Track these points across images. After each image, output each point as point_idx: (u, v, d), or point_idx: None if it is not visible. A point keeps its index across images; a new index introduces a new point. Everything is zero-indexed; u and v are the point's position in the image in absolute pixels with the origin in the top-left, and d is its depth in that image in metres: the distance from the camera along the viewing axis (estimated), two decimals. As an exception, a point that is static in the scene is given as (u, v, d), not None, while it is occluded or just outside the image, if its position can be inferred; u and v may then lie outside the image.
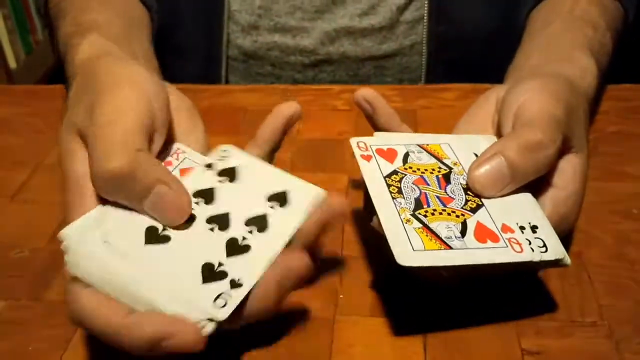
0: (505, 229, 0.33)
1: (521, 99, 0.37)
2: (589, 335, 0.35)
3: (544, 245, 0.33)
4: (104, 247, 0.32)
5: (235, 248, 0.33)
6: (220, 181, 0.36)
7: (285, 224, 0.34)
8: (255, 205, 0.34)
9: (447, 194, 0.35)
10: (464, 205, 0.35)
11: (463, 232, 0.33)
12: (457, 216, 0.34)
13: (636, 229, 0.42)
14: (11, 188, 0.48)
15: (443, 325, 0.36)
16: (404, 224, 0.33)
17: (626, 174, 0.47)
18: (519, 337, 0.35)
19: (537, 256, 0.33)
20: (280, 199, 0.35)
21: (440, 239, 0.32)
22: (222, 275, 0.32)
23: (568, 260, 0.33)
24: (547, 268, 0.38)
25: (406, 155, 0.37)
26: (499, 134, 0.39)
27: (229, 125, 0.54)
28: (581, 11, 0.49)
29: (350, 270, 0.40)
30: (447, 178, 0.36)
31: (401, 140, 0.39)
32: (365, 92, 0.40)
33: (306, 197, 0.34)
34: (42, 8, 0.57)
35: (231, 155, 0.37)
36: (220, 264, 0.32)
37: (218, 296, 0.31)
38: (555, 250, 0.33)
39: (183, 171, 0.36)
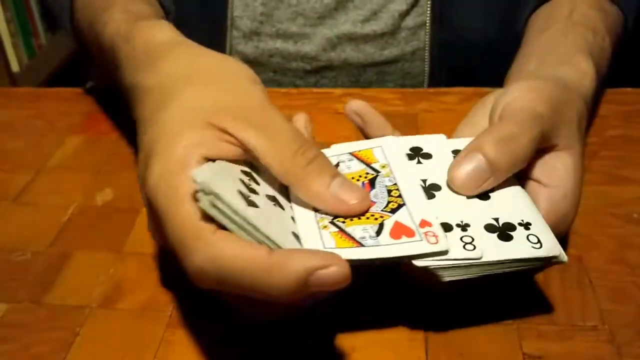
0: (424, 223, 0.33)
1: (507, 100, 0.37)
2: (590, 339, 0.35)
3: (538, 242, 0.33)
4: (239, 195, 0.31)
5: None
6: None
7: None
8: None
9: (370, 199, 0.35)
10: (385, 207, 0.34)
11: (379, 232, 0.33)
12: (376, 219, 0.33)
13: (637, 233, 0.42)
14: (13, 191, 0.48)
15: (444, 329, 0.36)
16: (320, 230, 0.33)
17: (627, 178, 0.47)
18: (521, 340, 0.35)
19: (532, 252, 0.33)
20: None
21: (354, 239, 0.32)
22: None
23: (565, 257, 0.33)
24: (543, 266, 0.37)
25: (337, 166, 0.37)
26: None
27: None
28: (580, 16, 0.49)
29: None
30: (372, 183, 0.36)
31: (339, 150, 0.38)
32: (355, 105, 0.40)
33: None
34: (67, 7, 0.56)
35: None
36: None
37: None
38: (551, 247, 0.33)
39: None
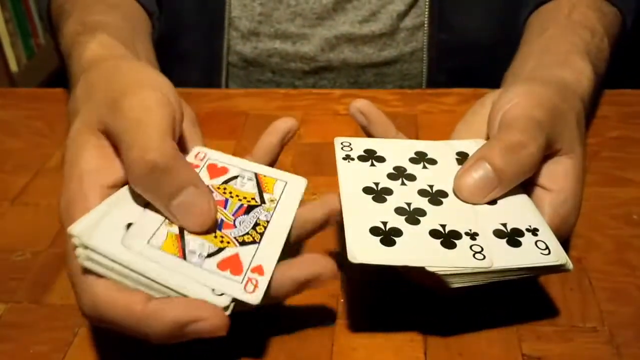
0: (257, 269, 0.32)
1: (507, 106, 0.37)
2: (590, 340, 0.35)
3: (547, 248, 0.33)
4: (117, 242, 0.32)
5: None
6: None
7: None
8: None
9: (233, 222, 0.34)
10: (239, 236, 0.34)
11: (210, 255, 0.32)
12: (221, 242, 0.33)
13: (637, 234, 0.42)
14: (12, 191, 0.48)
15: (444, 330, 0.36)
16: (162, 225, 0.33)
17: (627, 179, 0.47)
18: (520, 342, 0.35)
19: (541, 259, 0.33)
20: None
21: (183, 249, 0.32)
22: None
23: (570, 265, 0.33)
24: (548, 274, 0.37)
25: (233, 178, 0.37)
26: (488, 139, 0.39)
27: (229, 130, 0.54)
28: (579, 16, 0.49)
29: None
30: (249, 210, 0.35)
31: (250, 166, 0.38)
32: (360, 104, 0.40)
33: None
34: (43, 10, 0.57)
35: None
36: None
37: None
38: (558, 254, 0.33)
39: (212, 171, 0.37)
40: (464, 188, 0.35)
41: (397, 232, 0.33)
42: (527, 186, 0.37)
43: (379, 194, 0.35)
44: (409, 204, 0.35)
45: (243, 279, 0.31)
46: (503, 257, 0.32)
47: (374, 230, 0.33)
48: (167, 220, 0.33)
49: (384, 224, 0.33)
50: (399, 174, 0.37)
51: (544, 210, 0.36)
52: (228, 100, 0.58)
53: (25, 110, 0.60)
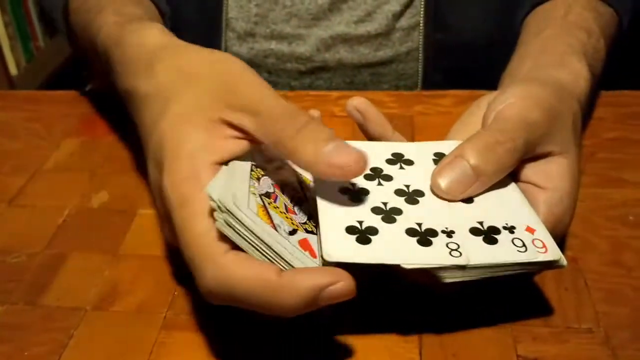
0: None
1: (500, 107, 0.38)
2: (585, 341, 0.35)
3: (543, 246, 0.33)
4: (252, 211, 0.31)
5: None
6: None
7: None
8: None
9: (293, 208, 0.35)
10: (301, 223, 0.34)
11: (291, 233, 0.33)
12: (292, 223, 0.34)
13: (632, 235, 0.42)
14: (9, 193, 0.48)
15: (439, 331, 0.36)
16: (250, 193, 0.33)
17: (623, 180, 0.47)
18: (515, 343, 0.35)
19: (536, 256, 0.33)
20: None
21: (272, 221, 0.32)
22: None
23: (564, 261, 0.33)
24: (542, 270, 0.37)
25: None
26: None
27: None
28: (575, 16, 0.49)
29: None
30: (299, 201, 0.36)
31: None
32: (357, 102, 0.40)
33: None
34: (58, 9, 0.56)
35: None
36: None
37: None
38: (553, 251, 0.33)
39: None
40: (441, 184, 0.35)
41: (373, 231, 0.33)
42: (521, 184, 0.37)
43: (355, 194, 0.35)
44: (385, 204, 0.35)
45: (318, 263, 0.32)
46: (479, 254, 0.32)
47: (350, 229, 0.33)
48: (250, 189, 0.33)
49: (360, 222, 0.33)
50: (375, 174, 0.37)
51: (539, 209, 0.36)
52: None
53: (24, 112, 0.60)
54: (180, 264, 0.34)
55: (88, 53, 0.52)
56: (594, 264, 0.40)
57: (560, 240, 0.41)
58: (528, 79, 0.43)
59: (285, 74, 0.62)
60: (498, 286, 0.37)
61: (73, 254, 0.43)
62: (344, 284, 0.30)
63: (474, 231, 0.34)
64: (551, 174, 0.37)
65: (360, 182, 0.36)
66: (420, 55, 0.61)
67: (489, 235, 0.33)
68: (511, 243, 0.33)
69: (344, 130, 0.53)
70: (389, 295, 0.38)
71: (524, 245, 0.33)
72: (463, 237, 0.33)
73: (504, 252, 0.33)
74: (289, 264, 0.31)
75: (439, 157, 0.38)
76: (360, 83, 0.62)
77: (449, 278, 0.32)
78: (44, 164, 0.52)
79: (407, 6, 0.60)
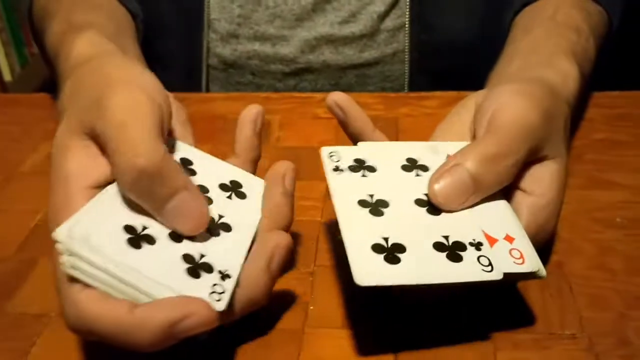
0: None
1: (495, 105, 0.36)
2: (568, 348, 0.34)
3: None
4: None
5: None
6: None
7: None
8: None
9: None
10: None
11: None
12: None
13: (619, 238, 0.40)
14: (-19, 197, 0.47)
15: (416, 337, 0.34)
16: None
17: (611, 182, 0.45)
18: (496, 350, 0.34)
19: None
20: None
21: None
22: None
23: (543, 272, 0.32)
24: (521, 280, 0.36)
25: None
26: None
27: (209, 133, 0.52)
28: (564, 16, 0.48)
29: (322, 281, 0.38)
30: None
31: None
32: (338, 97, 0.39)
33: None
34: (25, 12, 0.56)
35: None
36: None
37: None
38: (532, 262, 0.32)
39: None
40: (439, 193, 0.34)
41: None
42: (506, 188, 0.36)
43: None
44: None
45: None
46: (440, 271, 0.31)
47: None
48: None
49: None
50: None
51: (522, 214, 0.35)
52: (207, 104, 0.57)
53: (3, 115, 0.59)
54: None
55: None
56: (580, 268, 0.38)
57: (546, 245, 0.40)
58: (517, 79, 0.42)
59: (270, 76, 0.61)
60: (479, 292, 0.36)
61: (44, 258, 0.41)
62: (198, 316, 0.29)
63: (438, 246, 0.32)
64: (539, 179, 0.36)
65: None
66: (406, 56, 0.60)
67: (454, 251, 0.32)
68: (476, 261, 0.31)
69: (327, 132, 0.52)
70: (368, 303, 0.36)
71: (490, 264, 0.31)
72: (423, 251, 0.32)
73: (465, 272, 0.31)
74: (149, 296, 0.30)
75: (410, 162, 0.37)
76: (346, 85, 0.61)
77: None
78: (20, 166, 0.51)
79: (392, 7, 0.59)
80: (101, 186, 0.33)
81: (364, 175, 0.36)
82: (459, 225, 0.33)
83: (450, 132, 0.40)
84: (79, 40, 0.42)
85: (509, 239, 0.33)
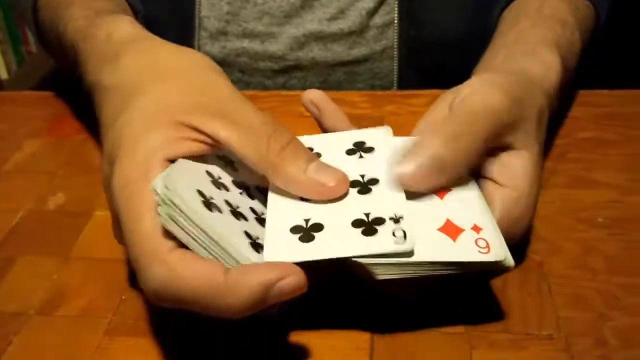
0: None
1: (465, 92, 0.36)
2: (545, 348, 0.33)
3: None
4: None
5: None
6: None
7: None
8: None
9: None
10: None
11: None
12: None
13: (600, 238, 0.40)
14: (-37, 195, 0.47)
15: (392, 337, 0.34)
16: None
17: (595, 181, 0.45)
18: (471, 349, 0.33)
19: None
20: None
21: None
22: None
23: (511, 262, 0.31)
24: (493, 273, 0.36)
25: None
26: None
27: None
28: (550, 9, 0.48)
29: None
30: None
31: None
32: (313, 95, 0.39)
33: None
34: (29, 4, 0.55)
35: None
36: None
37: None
38: (498, 251, 0.31)
39: None
40: (403, 174, 0.33)
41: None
42: (479, 178, 0.36)
43: None
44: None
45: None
46: (356, 245, 0.31)
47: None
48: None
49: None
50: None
51: (495, 207, 0.34)
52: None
53: (-10, 112, 0.59)
54: (132, 268, 0.33)
55: (56, 49, 0.51)
56: (560, 267, 0.38)
57: (527, 244, 0.40)
58: (498, 70, 0.42)
59: (259, 73, 0.61)
60: (455, 289, 0.36)
61: (23, 257, 0.41)
62: (292, 278, 0.28)
63: (356, 223, 0.32)
64: (511, 170, 0.35)
65: None
66: (395, 53, 0.59)
67: (370, 227, 0.31)
68: (391, 235, 0.31)
69: (312, 129, 0.51)
70: (343, 300, 0.36)
71: (404, 236, 0.30)
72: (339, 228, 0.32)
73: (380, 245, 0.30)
74: (235, 260, 0.30)
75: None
76: (335, 82, 0.61)
77: (382, 275, 0.31)
78: (3, 165, 0.50)
79: (380, 3, 0.58)
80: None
81: None
82: (384, 201, 0.33)
83: (430, 125, 0.40)
84: (119, 21, 0.41)
85: (477, 228, 0.32)
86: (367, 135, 0.38)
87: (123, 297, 0.38)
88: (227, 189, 0.34)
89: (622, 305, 0.35)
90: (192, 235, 0.29)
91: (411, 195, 0.34)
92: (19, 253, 0.41)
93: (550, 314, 0.35)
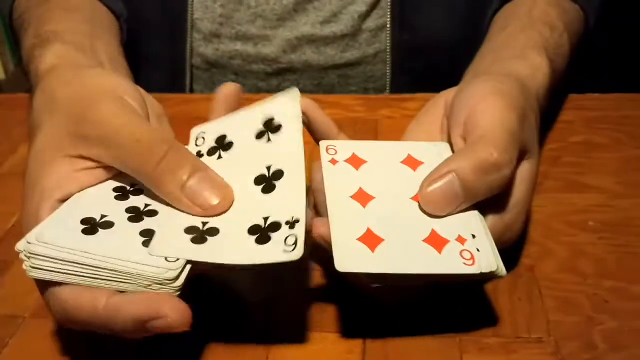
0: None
1: (471, 104, 0.36)
2: (535, 352, 0.34)
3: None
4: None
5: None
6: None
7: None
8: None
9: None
10: None
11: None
12: None
13: (591, 241, 0.40)
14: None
15: (384, 341, 0.34)
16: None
17: (587, 185, 0.45)
18: (462, 354, 0.34)
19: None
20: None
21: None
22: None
23: (503, 272, 0.32)
24: (485, 280, 0.36)
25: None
26: (449, 140, 0.38)
27: (189, 135, 0.53)
28: (539, 12, 0.48)
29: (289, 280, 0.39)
30: None
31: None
32: (302, 103, 0.39)
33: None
34: (7, 19, 0.56)
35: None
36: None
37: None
38: (484, 263, 0.31)
39: None
40: (429, 199, 0.33)
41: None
42: None
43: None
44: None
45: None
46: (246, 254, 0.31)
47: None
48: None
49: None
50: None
51: (488, 213, 0.35)
52: (189, 105, 0.57)
53: (-17, 115, 0.59)
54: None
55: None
56: (551, 271, 0.39)
57: (519, 247, 0.40)
58: (488, 73, 0.42)
59: (252, 76, 0.61)
60: (447, 295, 0.36)
61: (18, 261, 0.41)
62: (168, 320, 0.29)
63: (252, 230, 0.32)
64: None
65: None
66: (387, 57, 0.60)
67: (265, 233, 0.31)
68: (283, 242, 0.31)
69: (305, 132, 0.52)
70: (335, 305, 0.36)
71: (295, 244, 0.30)
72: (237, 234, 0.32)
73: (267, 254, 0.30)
74: (120, 272, 0.30)
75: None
76: (328, 85, 0.61)
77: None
78: (-1, 168, 0.51)
79: (373, 7, 0.59)
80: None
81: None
82: (285, 201, 0.33)
83: (421, 130, 0.40)
84: (45, 55, 0.42)
85: (461, 240, 0.32)
86: (276, 108, 0.37)
87: (117, 301, 0.38)
88: (140, 193, 0.35)
89: (611, 309, 0.36)
90: (59, 271, 0.30)
91: (398, 204, 0.34)
92: (15, 256, 0.41)
93: (540, 318, 0.36)
